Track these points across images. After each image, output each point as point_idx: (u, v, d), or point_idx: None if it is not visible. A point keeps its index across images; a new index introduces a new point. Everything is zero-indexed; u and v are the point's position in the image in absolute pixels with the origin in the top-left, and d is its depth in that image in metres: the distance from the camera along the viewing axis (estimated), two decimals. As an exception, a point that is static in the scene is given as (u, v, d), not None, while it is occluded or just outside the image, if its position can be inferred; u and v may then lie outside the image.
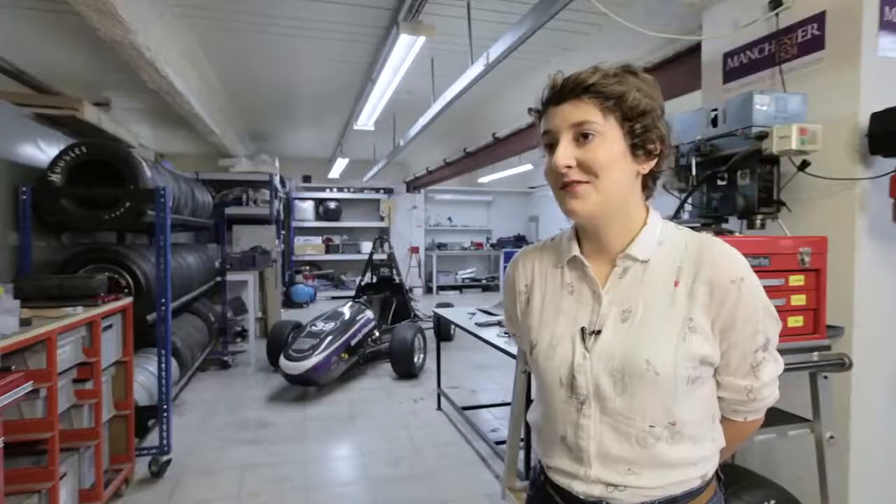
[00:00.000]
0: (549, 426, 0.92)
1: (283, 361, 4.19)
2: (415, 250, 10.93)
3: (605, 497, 0.86)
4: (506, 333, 3.03)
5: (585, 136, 0.82)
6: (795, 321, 1.64)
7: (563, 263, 0.93)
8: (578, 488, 0.88)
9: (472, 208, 12.09)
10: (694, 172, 1.91)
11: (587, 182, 0.82)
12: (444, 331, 5.49)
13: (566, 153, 0.82)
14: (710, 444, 0.89)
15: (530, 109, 0.89)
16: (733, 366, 0.87)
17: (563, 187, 0.84)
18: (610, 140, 0.82)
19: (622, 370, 0.83)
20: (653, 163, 0.87)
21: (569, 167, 0.82)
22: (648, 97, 0.84)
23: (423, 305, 7.97)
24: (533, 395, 1.00)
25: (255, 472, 3.06)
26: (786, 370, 1.64)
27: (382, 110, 5.09)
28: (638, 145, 0.84)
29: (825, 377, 1.71)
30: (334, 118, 6.79)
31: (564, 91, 0.83)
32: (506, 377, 4.74)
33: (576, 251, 0.91)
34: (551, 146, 0.85)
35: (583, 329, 0.87)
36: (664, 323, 0.83)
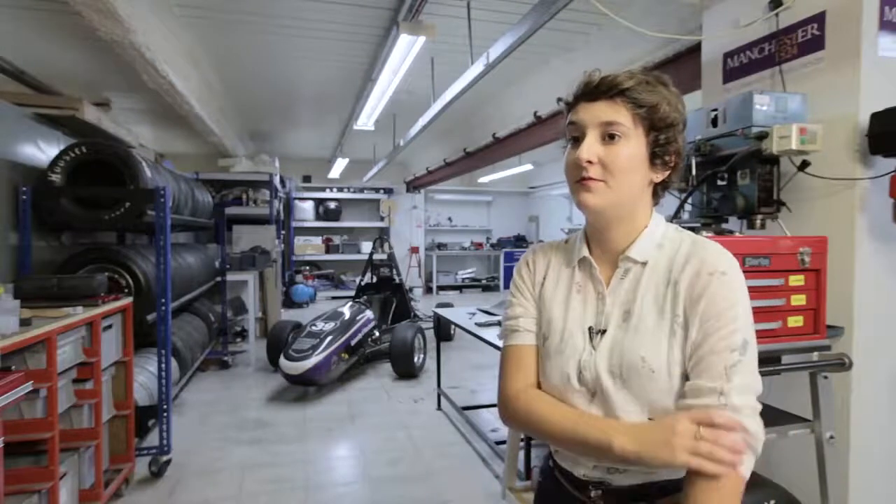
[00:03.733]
0: None
1: (283, 361, 4.19)
2: (415, 250, 10.94)
3: (605, 479, 0.90)
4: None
5: (612, 136, 0.85)
6: (795, 321, 1.64)
7: (574, 263, 0.97)
8: (581, 471, 0.92)
9: (472, 208, 12.09)
10: (694, 172, 1.91)
11: (602, 181, 0.85)
12: (444, 331, 5.49)
13: (591, 149, 0.85)
14: None
15: (559, 99, 0.93)
16: (704, 364, 0.81)
17: (579, 181, 0.87)
18: (634, 145, 0.85)
19: (620, 367, 0.86)
20: (666, 173, 0.90)
21: (590, 162, 0.85)
22: (676, 111, 0.87)
23: (423, 305, 7.97)
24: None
25: (255, 472, 3.06)
26: (786, 370, 1.65)
27: (382, 110, 5.09)
28: (657, 154, 0.87)
29: (825, 377, 1.70)
30: (334, 118, 6.79)
31: (600, 89, 0.86)
32: (506, 377, 4.73)
33: (585, 253, 0.94)
34: (576, 139, 0.88)
35: (590, 328, 0.91)
36: (657, 322, 0.86)
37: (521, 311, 0.99)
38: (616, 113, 0.84)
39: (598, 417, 0.87)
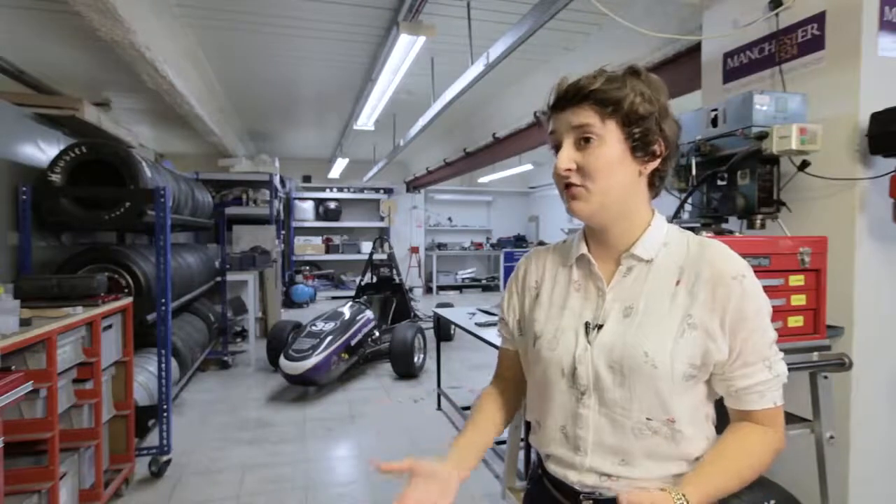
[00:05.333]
0: (549, 416, 0.95)
1: (283, 361, 4.19)
2: (415, 250, 10.93)
3: (598, 487, 0.89)
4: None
5: (587, 139, 0.85)
6: (795, 321, 1.64)
7: (572, 262, 0.96)
8: (573, 477, 0.91)
9: (472, 208, 12.08)
10: (694, 172, 1.91)
11: (582, 186, 0.86)
12: (444, 331, 5.49)
13: (568, 156, 0.87)
14: (705, 442, 0.89)
15: (542, 112, 0.94)
16: (751, 360, 0.85)
17: (565, 188, 0.89)
18: (609, 143, 0.85)
19: (621, 361, 0.85)
20: (656, 163, 0.89)
21: (569, 170, 0.86)
22: (648, 101, 0.86)
23: (423, 305, 7.97)
24: (528, 392, 1.03)
25: (255, 472, 3.06)
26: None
27: (382, 110, 5.09)
28: (638, 147, 0.86)
29: (825, 377, 1.71)
30: (334, 118, 6.79)
31: (567, 97, 0.87)
32: (506, 377, 4.74)
33: (583, 250, 0.94)
34: (557, 147, 0.90)
35: (587, 323, 0.90)
36: (664, 319, 0.85)
37: (503, 316, 1.07)
38: (584, 117, 0.85)
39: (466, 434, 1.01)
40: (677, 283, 0.86)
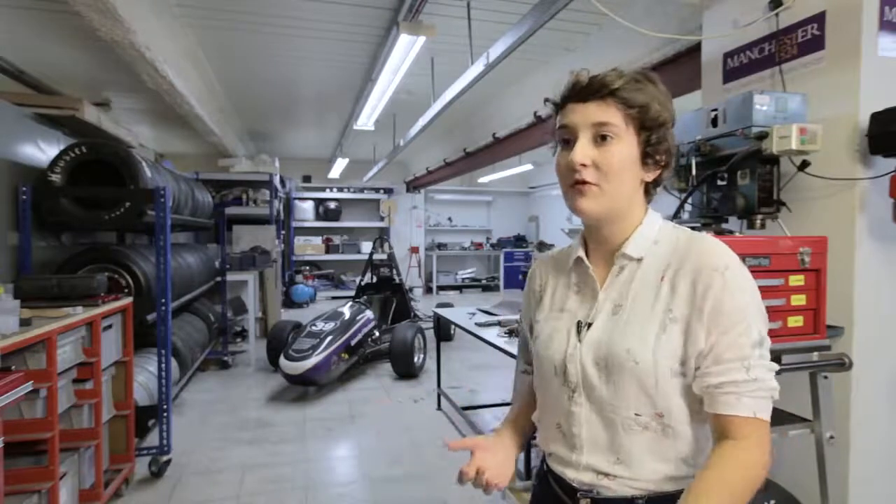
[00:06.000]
0: (547, 414, 0.97)
1: (282, 361, 4.19)
2: (415, 250, 10.93)
3: (595, 485, 0.89)
4: (507, 333, 3.04)
5: (604, 137, 0.84)
6: (795, 321, 1.64)
7: (571, 265, 0.97)
8: (571, 475, 0.92)
9: (472, 208, 12.09)
10: (694, 172, 1.91)
11: (596, 184, 0.85)
12: (444, 331, 5.49)
13: (585, 151, 0.84)
14: (705, 442, 0.88)
15: (547, 100, 0.92)
16: (726, 357, 0.80)
17: (573, 184, 0.86)
18: (626, 145, 0.85)
19: (606, 359, 0.86)
20: (658, 172, 0.90)
21: (584, 165, 0.84)
22: (666, 110, 0.86)
23: (423, 305, 7.97)
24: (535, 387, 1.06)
25: (255, 472, 3.06)
26: (786, 370, 1.65)
27: (382, 110, 5.09)
28: (649, 154, 0.86)
29: (825, 377, 1.70)
30: (334, 118, 6.79)
31: (590, 90, 0.85)
32: (506, 377, 4.74)
33: (580, 253, 0.95)
34: (566, 141, 0.87)
35: (578, 322, 0.91)
36: (647, 315, 0.85)
37: (522, 318, 1.12)
38: (607, 113, 0.83)
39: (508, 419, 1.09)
40: (662, 278, 0.86)
